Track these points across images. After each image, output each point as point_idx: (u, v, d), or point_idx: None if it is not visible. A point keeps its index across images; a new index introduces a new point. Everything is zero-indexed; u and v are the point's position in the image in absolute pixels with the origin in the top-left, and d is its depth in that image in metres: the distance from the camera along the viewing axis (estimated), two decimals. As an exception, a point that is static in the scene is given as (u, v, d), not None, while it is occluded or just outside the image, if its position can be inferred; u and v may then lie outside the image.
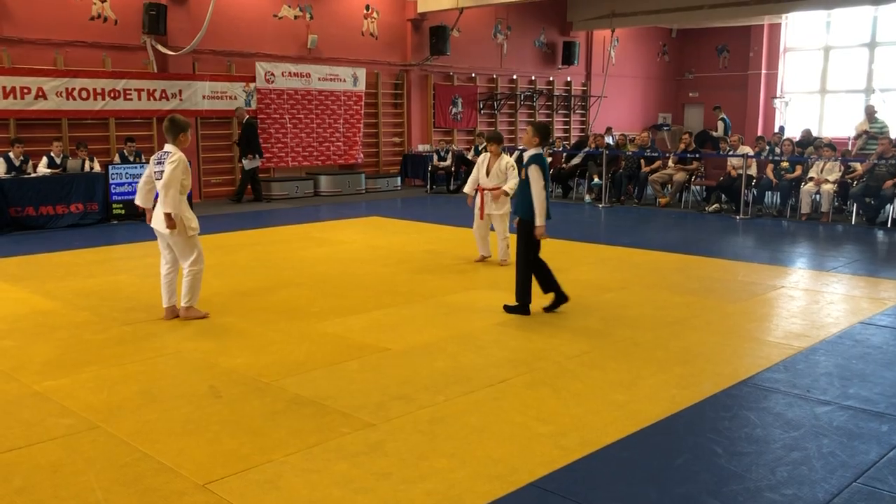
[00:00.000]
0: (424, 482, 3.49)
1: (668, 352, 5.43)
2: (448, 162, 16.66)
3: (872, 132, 13.95)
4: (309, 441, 3.93)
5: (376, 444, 3.90)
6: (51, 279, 7.81)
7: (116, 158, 12.48)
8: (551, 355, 5.33)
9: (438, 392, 4.62)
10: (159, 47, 13.72)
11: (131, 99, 13.47)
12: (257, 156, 14.30)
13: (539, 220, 6.10)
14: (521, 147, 15.27)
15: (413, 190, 17.06)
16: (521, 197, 6.24)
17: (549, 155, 16.37)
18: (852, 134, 15.34)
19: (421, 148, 17.78)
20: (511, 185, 8.05)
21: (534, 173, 6.11)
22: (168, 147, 6.04)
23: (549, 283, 6.38)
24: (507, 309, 6.41)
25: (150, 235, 10.49)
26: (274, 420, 4.21)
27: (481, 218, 8.47)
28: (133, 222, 11.87)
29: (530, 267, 6.30)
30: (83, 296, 7.11)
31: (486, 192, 8.35)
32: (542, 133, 6.33)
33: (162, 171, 5.95)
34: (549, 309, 6.42)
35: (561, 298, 6.42)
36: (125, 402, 4.48)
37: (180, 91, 14.03)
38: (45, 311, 6.58)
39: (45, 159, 11.70)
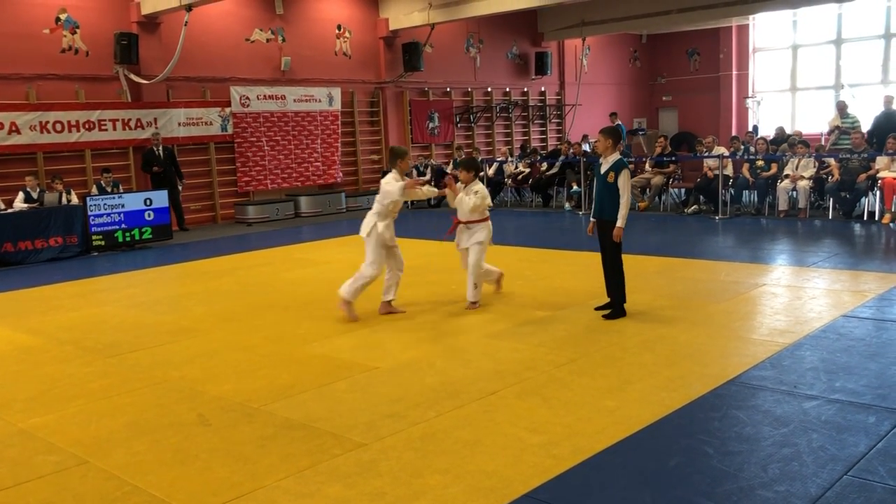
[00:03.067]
0: (419, 500, 3.48)
1: (656, 355, 5.46)
2: (427, 176, 16.68)
3: (844, 127, 14.14)
4: (300, 465, 3.90)
5: (369, 463, 3.88)
6: (32, 315, 7.73)
7: (94, 190, 12.41)
8: (539, 365, 5.34)
9: (429, 408, 4.61)
10: (132, 76, 13.68)
11: (106, 129, 13.41)
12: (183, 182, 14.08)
13: (621, 223, 6.35)
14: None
15: (394, 206, 17.02)
16: (611, 201, 6.40)
17: (528, 165, 16.46)
18: (825, 130, 15.54)
19: (400, 164, 17.78)
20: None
21: (623, 180, 6.35)
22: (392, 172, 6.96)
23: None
24: (606, 316, 6.51)
25: (132, 266, 10.53)
26: (264, 445, 4.19)
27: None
28: (114, 253, 11.80)
29: (622, 266, 6.52)
30: (66, 330, 7.04)
31: (462, 224, 7.20)
32: (615, 136, 6.52)
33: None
34: (609, 316, 6.52)
35: (619, 312, 6.53)
36: (113, 435, 4.43)
37: (155, 119, 13.99)
38: (27, 347, 6.51)
39: (21, 194, 11.61)
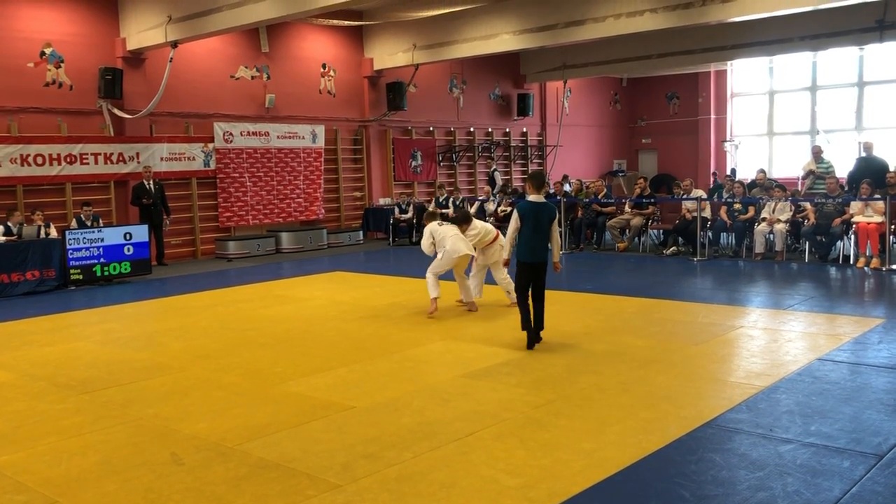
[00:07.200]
0: (393, 543, 3.44)
1: (633, 396, 5.47)
2: (409, 214, 16.78)
3: (819, 172, 14.38)
4: (274, 506, 3.85)
5: (343, 505, 3.84)
6: (5, 350, 7.61)
7: (73, 223, 12.33)
8: (517, 405, 5.33)
9: (405, 449, 4.58)
10: (116, 111, 13.70)
11: (88, 163, 13.38)
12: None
13: (504, 254, 7.40)
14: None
15: (375, 243, 17.09)
16: None
17: (510, 204, 16.54)
18: (801, 174, 15.80)
19: (382, 201, 17.89)
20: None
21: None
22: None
23: (527, 321, 6.93)
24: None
25: (109, 301, 10.42)
26: (238, 486, 4.13)
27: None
28: (91, 287, 11.69)
29: (521, 294, 7.00)
30: (39, 365, 6.94)
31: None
32: (530, 181, 7.14)
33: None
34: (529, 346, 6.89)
35: (531, 340, 6.90)
36: (84, 474, 4.36)
37: (138, 154, 13.98)
38: (-1, 383, 6.40)
39: (1, 227, 11.50)
